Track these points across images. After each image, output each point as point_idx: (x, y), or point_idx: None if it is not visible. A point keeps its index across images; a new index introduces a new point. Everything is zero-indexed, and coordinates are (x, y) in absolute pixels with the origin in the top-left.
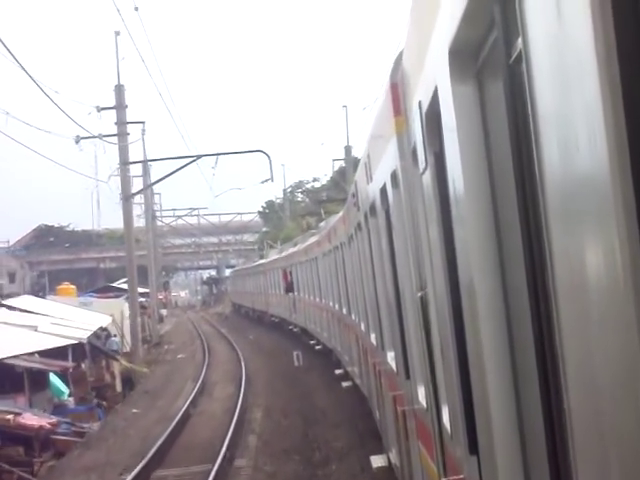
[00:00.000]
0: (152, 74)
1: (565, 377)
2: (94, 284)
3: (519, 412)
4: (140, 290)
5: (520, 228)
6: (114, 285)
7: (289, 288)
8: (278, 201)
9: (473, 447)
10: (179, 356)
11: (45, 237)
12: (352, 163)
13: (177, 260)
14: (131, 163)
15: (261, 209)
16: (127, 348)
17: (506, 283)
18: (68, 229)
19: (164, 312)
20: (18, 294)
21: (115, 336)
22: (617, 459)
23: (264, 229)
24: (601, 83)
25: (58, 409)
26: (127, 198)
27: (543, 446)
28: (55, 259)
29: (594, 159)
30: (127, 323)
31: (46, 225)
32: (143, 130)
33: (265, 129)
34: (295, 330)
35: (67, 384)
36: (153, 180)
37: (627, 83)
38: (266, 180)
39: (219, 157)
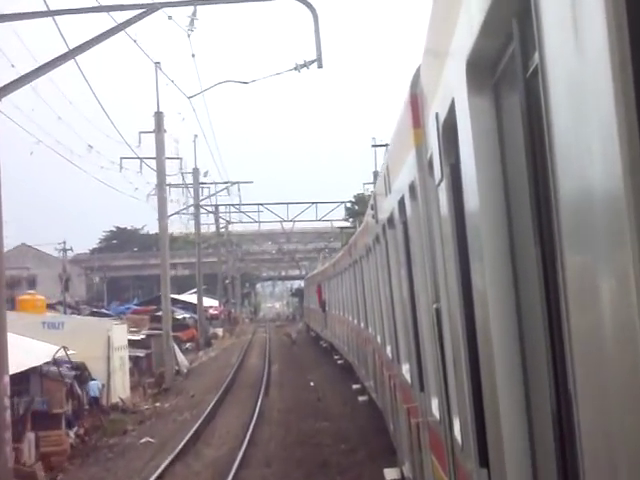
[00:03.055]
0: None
1: (576, 392)
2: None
3: (530, 425)
4: (209, 302)
5: (534, 242)
6: (172, 296)
7: (322, 305)
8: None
9: (484, 460)
10: (143, 440)
11: (117, 241)
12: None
13: (257, 268)
14: (173, 185)
15: (349, 204)
16: (118, 395)
17: (519, 297)
18: (142, 232)
19: (219, 332)
20: (58, 305)
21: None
22: (628, 473)
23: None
24: (616, 99)
25: None
26: (162, 217)
27: (553, 460)
28: (119, 265)
29: (608, 174)
30: (121, 356)
31: (118, 228)
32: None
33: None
34: (325, 345)
35: None
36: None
37: None
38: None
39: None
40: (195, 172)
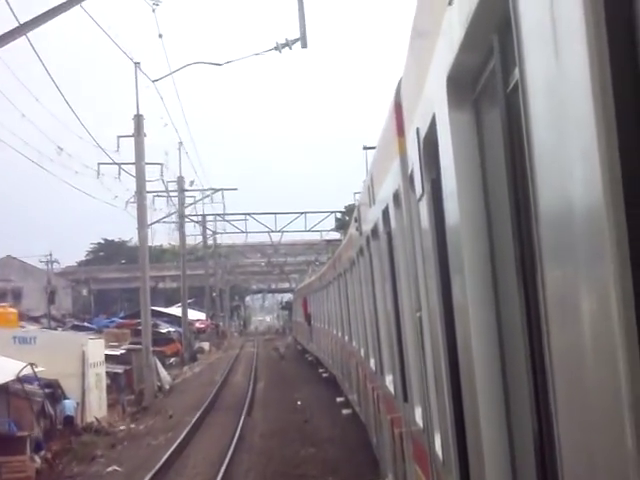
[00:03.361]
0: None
1: (556, 406)
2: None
3: (510, 439)
4: (197, 316)
5: (514, 255)
6: (156, 309)
7: (308, 318)
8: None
9: (465, 476)
10: (110, 469)
11: (104, 253)
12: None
13: (246, 281)
14: (153, 192)
15: (339, 215)
16: (93, 414)
17: (500, 309)
18: (130, 244)
19: (205, 346)
20: (39, 319)
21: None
22: None
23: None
24: (596, 114)
25: None
26: (142, 226)
27: (534, 475)
28: (107, 277)
29: (588, 188)
30: (97, 372)
31: (106, 240)
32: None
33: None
34: (310, 359)
35: None
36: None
37: (622, 117)
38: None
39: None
40: (180, 180)
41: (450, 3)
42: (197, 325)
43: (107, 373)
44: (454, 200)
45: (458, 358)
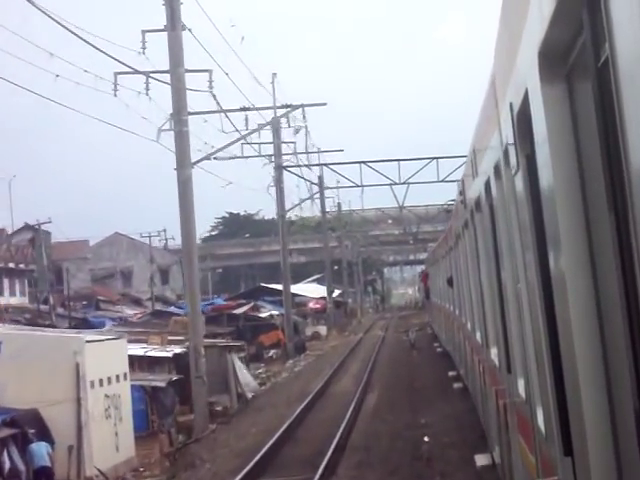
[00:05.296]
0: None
1: None
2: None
3: (612, 413)
4: (316, 293)
5: (610, 230)
6: (267, 286)
7: (427, 292)
8: None
9: (567, 449)
10: None
11: (229, 228)
12: None
13: (379, 252)
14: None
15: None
16: (101, 460)
17: (597, 282)
18: (257, 217)
19: (322, 330)
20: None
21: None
22: None
23: None
24: None
25: None
26: (182, 165)
27: (637, 449)
28: (229, 253)
29: None
30: (109, 394)
31: (230, 214)
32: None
33: None
34: (430, 332)
35: None
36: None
37: None
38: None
39: None
40: (274, 121)
41: None
42: (311, 305)
43: (143, 388)
44: (549, 175)
45: (557, 330)
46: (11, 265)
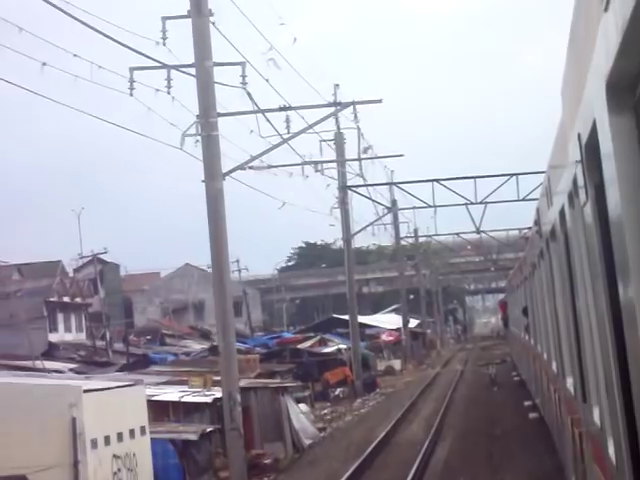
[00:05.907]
0: None
1: None
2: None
3: None
4: (390, 324)
5: None
6: (339, 317)
7: (505, 321)
8: None
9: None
10: None
11: (305, 258)
12: None
13: (461, 280)
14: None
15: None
16: None
17: None
18: (334, 247)
19: (396, 364)
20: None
21: None
22: None
23: None
24: None
25: None
26: (211, 176)
27: None
28: (305, 284)
29: None
30: (119, 454)
31: (307, 243)
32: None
33: None
34: (510, 361)
35: None
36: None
37: None
38: None
39: None
40: (338, 136)
41: (606, 9)
42: (384, 337)
43: (173, 442)
44: (618, 206)
45: (627, 359)
46: (66, 299)
